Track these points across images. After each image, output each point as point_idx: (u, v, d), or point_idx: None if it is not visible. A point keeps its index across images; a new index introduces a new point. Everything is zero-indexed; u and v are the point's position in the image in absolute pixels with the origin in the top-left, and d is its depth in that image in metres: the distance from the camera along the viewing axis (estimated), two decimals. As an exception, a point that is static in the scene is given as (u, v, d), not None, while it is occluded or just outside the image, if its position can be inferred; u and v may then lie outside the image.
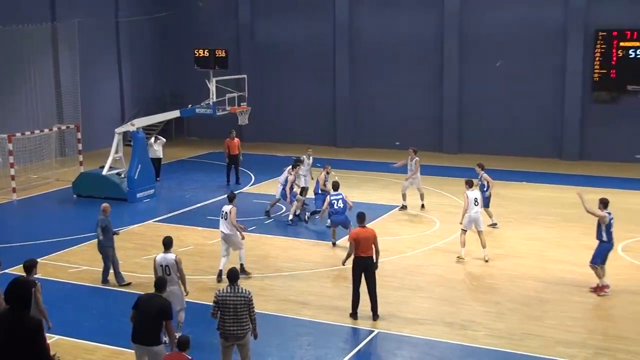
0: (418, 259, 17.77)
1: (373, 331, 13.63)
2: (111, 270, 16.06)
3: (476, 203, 17.62)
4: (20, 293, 7.60)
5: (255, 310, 11.02)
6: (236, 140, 26.03)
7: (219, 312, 10.88)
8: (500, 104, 30.90)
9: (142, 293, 11.46)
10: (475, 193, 17.80)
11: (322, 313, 14.52)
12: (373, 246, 14.02)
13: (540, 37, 29.92)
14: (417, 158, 22.28)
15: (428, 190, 23.90)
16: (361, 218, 14.42)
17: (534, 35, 30.00)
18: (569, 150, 30.01)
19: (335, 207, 18.66)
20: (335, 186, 19.19)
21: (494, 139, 30.73)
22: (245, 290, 11.00)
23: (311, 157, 23.25)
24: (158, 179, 25.87)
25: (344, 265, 14.44)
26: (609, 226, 15.39)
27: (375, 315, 14.09)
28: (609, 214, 15.44)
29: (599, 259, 15.44)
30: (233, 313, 10.82)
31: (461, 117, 31.70)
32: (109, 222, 15.99)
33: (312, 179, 22.80)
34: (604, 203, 15.53)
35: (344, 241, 17.84)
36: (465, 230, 17.69)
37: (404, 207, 22.37)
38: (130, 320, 10.78)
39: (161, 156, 26.46)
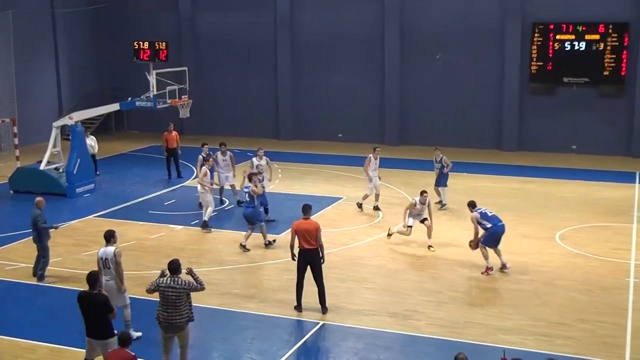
0: (361, 250, 17.90)
1: (318, 323, 13.68)
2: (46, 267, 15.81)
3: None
4: None
5: (202, 305, 10.96)
6: (174, 133, 25.70)
7: (159, 302, 11.06)
8: (441, 97, 31.29)
9: (82, 290, 11.25)
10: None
11: (267, 306, 14.51)
12: (316, 239, 13.92)
13: (479, 30, 30.37)
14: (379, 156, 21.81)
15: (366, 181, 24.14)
16: (305, 210, 14.35)
17: (472, 29, 30.44)
18: (508, 141, 30.59)
19: (243, 200, 18.36)
20: (250, 175, 18.54)
21: (435, 131, 31.09)
22: (184, 281, 11.07)
23: (264, 158, 21.17)
24: (98, 173, 25.44)
25: (293, 259, 14.22)
26: (485, 217, 16.18)
27: (324, 308, 14.07)
28: (478, 210, 16.36)
29: (490, 242, 16.08)
30: (172, 304, 10.94)
31: (402, 109, 31.98)
32: (44, 216, 15.70)
33: (270, 180, 21.53)
34: (471, 205, 16.64)
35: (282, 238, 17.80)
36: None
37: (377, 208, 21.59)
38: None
39: (94, 152, 25.85)
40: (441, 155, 21.93)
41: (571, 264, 16.93)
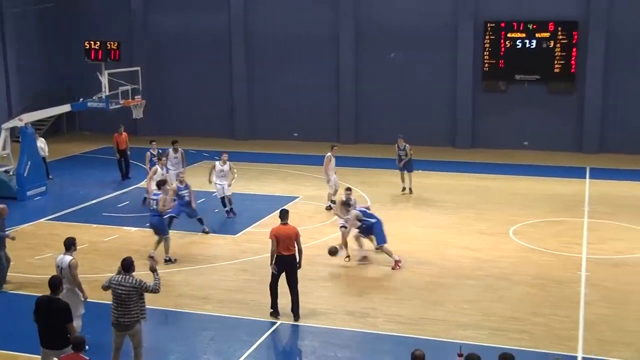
0: (318, 249, 17.86)
1: (275, 323, 13.64)
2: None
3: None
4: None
5: (157, 307, 10.85)
6: (124, 134, 25.41)
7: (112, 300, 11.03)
8: (396, 95, 31.44)
9: (39, 295, 10.98)
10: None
11: (223, 307, 14.43)
12: (296, 244, 13.60)
13: (432, 28, 30.60)
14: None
15: (323, 180, 24.18)
16: (283, 215, 13.84)
17: (426, 27, 30.64)
18: (461, 138, 30.89)
19: (151, 207, 17.08)
20: (159, 183, 17.36)
21: (390, 129, 31.16)
22: (135, 280, 10.98)
23: (227, 163, 20.76)
24: (50, 177, 25.02)
25: (272, 267, 13.66)
26: (365, 214, 16.88)
27: (296, 316, 13.69)
28: (358, 208, 17.10)
29: (381, 238, 16.66)
30: (121, 302, 10.91)
31: (357, 107, 32.07)
32: (3, 225, 15.32)
33: (230, 185, 20.85)
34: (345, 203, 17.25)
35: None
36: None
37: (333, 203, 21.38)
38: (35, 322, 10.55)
39: (45, 154, 25.33)
40: (405, 144, 22.90)
41: (525, 258, 17.17)
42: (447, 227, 19.77)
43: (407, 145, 22.95)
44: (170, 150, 22.09)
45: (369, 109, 31.98)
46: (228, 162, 20.68)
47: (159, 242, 17.02)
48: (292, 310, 13.81)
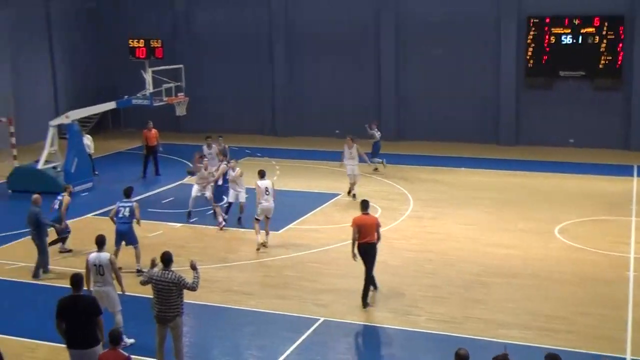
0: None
1: (318, 319, 13.67)
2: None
3: (267, 192, 17.71)
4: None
5: (202, 302, 10.96)
6: (154, 131, 25.83)
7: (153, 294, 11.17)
8: (439, 91, 31.20)
9: (64, 296, 10.75)
10: (265, 182, 17.74)
11: (267, 303, 14.50)
12: (376, 233, 14.20)
13: (475, 26, 30.31)
14: (355, 145, 22.38)
15: (369, 177, 24.14)
16: (365, 205, 14.46)
17: (469, 24, 30.35)
18: (505, 135, 30.55)
19: (120, 215, 16.40)
20: (127, 192, 16.80)
21: (433, 126, 31.11)
22: (175, 275, 11.09)
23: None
24: (96, 173, 25.45)
25: (353, 255, 14.16)
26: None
27: (365, 303, 14.17)
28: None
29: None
30: (162, 296, 11.06)
31: (399, 104, 31.93)
32: (41, 213, 15.72)
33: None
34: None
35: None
36: (259, 220, 17.71)
37: (353, 195, 22.10)
38: (56, 329, 10.40)
39: (91, 151, 25.75)
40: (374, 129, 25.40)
41: (571, 257, 16.94)
42: (490, 225, 19.59)
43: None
44: (204, 146, 22.62)
45: (411, 105, 31.82)
46: (238, 168, 20.00)
47: (137, 254, 16.28)
48: (362, 297, 14.17)
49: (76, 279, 10.54)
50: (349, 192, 22.38)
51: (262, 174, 17.95)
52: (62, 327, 10.34)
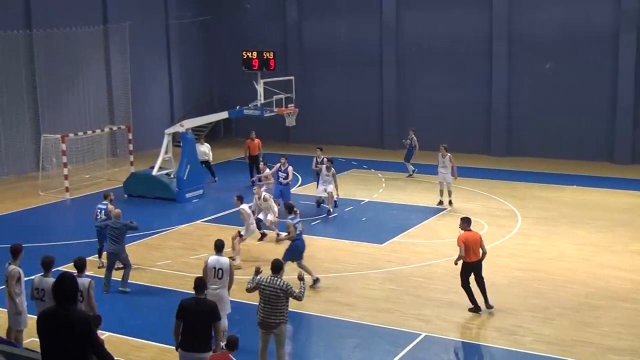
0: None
1: (419, 334, 13.57)
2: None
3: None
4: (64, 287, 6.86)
5: (304, 312, 11.07)
6: (256, 141, 26.57)
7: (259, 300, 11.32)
8: (550, 107, 30.43)
9: (186, 298, 10.99)
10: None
11: (368, 315, 14.53)
12: (480, 249, 14.48)
13: (590, 38, 29.39)
14: (449, 155, 22.61)
15: (477, 193, 23.79)
16: (468, 222, 14.70)
17: (583, 36, 29.47)
18: (621, 153, 29.40)
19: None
20: (106, 196, 17.48)
21: (545, 142, 30.34)
22: (283, 283, 11.23)
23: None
24: (215, 179, 26.62)
25: (455, 264, 14.55)
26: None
27: (488, 304, 14.54)
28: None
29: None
30: (268, 303, 11.21)
31: (510, 119, 31.31)
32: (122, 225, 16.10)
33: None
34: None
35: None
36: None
37: (441, 203, 22.78)
38: (174, 332, 10.50)
39: (209, 159, 26.72)
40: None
41: (686, 283, 16.14)
42: (601, 246, 18.92)
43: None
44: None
45: (521, 120, 31.15)
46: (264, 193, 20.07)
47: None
48: (484, 301, 14.51)
49: (199, 283, 10.72)
50: (443, 202, 22.78)
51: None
52: (179, 328, 10.43)
